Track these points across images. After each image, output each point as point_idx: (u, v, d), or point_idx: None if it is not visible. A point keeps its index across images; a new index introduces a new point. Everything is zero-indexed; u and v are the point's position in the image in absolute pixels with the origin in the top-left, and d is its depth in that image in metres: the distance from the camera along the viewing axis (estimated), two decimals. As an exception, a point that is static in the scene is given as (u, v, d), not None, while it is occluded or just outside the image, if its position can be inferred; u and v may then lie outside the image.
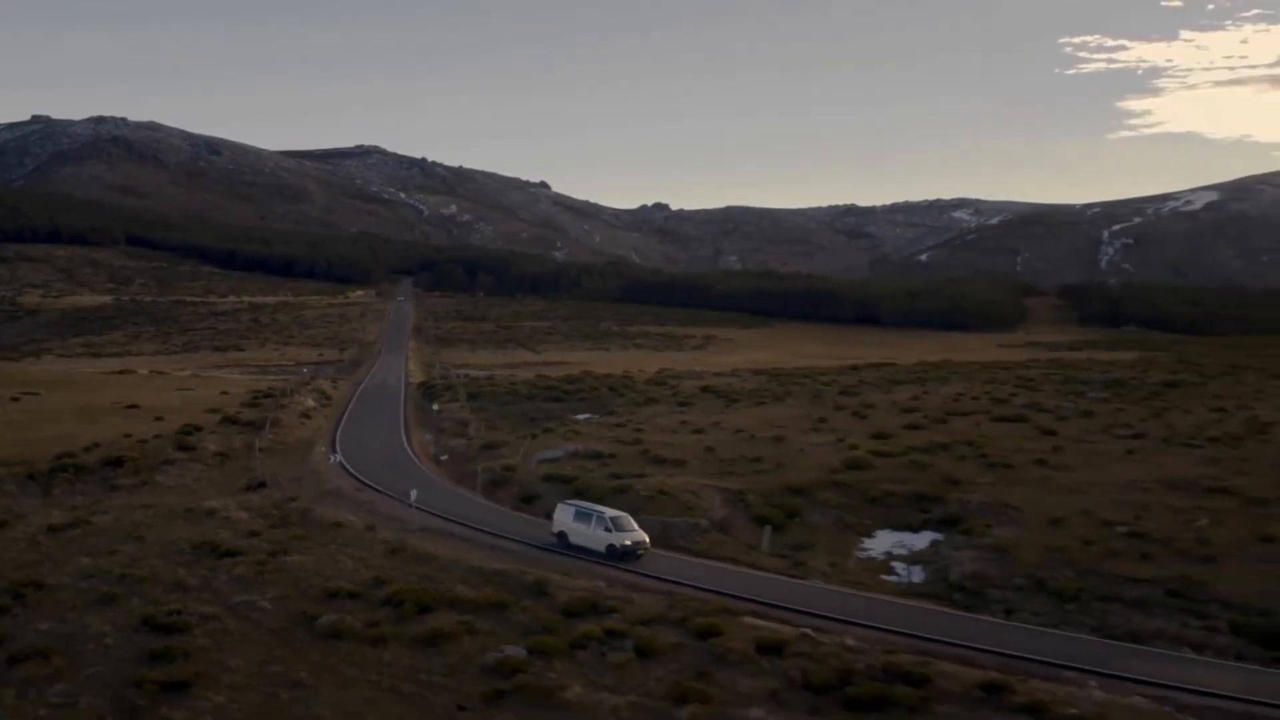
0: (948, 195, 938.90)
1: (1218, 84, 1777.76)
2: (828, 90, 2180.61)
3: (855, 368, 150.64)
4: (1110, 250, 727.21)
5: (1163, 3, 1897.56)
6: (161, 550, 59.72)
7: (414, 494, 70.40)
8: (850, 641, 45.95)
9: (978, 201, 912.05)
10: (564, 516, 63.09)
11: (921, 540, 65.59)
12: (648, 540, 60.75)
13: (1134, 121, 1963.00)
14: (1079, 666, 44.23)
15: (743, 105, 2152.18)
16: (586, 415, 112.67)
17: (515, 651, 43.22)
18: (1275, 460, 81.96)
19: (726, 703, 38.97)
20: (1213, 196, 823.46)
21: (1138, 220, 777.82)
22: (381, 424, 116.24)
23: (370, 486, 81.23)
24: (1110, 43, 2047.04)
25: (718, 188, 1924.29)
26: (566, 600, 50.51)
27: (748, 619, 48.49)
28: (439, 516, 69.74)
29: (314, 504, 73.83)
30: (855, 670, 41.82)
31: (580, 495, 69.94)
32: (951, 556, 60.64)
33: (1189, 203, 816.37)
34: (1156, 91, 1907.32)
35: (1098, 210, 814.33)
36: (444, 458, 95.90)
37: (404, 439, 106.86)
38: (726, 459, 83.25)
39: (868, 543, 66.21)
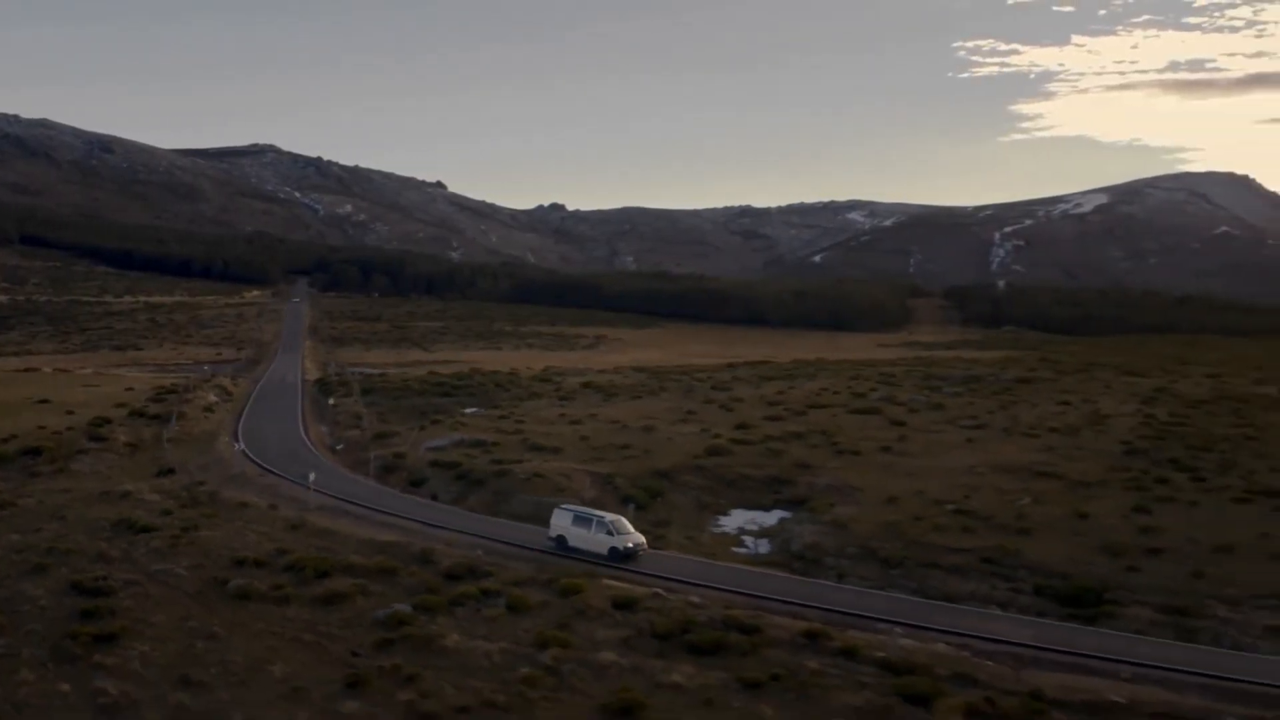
0: (842, 197, 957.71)
1: (1108, 88, 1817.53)
2: (724, 92, 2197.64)
3: (732, 365, 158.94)
4: (1001, 252, 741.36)
5: (1055, 8, 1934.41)
6: (84, 527, 66.01)
7: (312, 476, 76.98)
8: (695, 599, 53.82)
9: (872, 203, 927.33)
10: (562, 521, 65.55)
11: (771, 518, 73.97)
12: (645, 541, 64.08)
13: (1026, 125, 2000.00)
14: (893, 620, 52.41)
15: (640, 106, 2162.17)
16: (473, 409, 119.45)
17: (403, 608, 50.56)
18: (1106, 448, 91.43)
19: (583, 648, 46.48)
20: (1102, 199, 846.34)
21: (1029, 222, 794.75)
22: (281, 417, 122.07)
23: (272, 472, 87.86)
24: (1003, 47, 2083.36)
25: (614, 189, 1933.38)
26: (449, 566, 58.00)
27: (606, 581, 56.17)
28: (335, 497, 76.66)
29: (221, 487, 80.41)
30: (697, 621, 49.62)
31: (462, 479, 77.29)
32: (795, 531, 68.94)
33: (1079, 205, 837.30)
34: (1048, 95, 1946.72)
35: (990, 212, 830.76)
36: (339, 447, 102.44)
37: (302, 430, 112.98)
38: (599, 447, 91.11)
39: (723, 520, 74.44)
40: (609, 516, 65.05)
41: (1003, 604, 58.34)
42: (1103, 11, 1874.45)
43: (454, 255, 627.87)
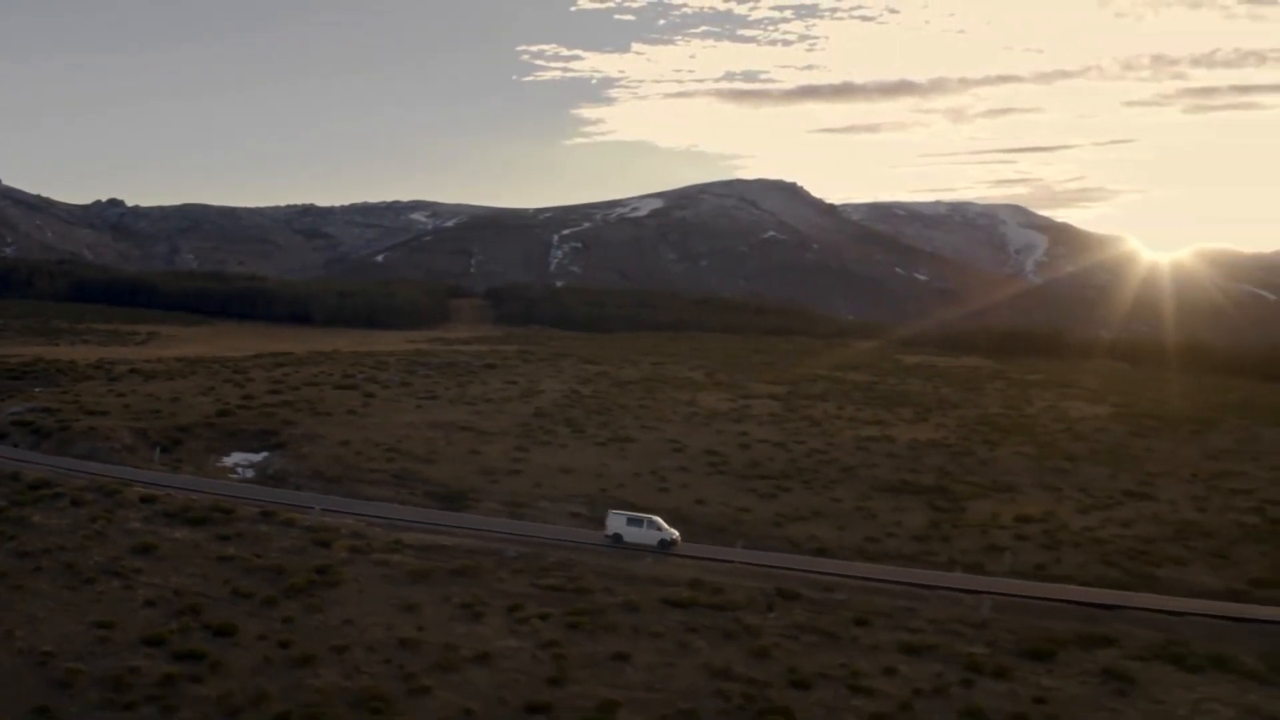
0: (406, 197, 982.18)
1: (667, 95, 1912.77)
2: (290, 90, 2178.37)
3: (258, 355, 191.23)
4: (560, 253, 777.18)
5: (616, 16, 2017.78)
6: None
7: None
8: (195, 496, 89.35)
9: (435, 204, 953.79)
10: (617, 523, 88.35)
11: (259, 456, 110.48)
12: (678, 535, 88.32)
13: (589, 129, 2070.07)
14: (325, 508, 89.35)
15: (203, 104, 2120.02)
16: (40, 388, 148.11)
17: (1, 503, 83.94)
18: (522, 412, 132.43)
19: (120, 521, 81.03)
20: (658, 204, 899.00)
21: (587, 225, 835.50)
22: None
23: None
24: (566, 52, 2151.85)
25: (177, 185, 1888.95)
26: (30, 480, 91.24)
27: (139, 488, 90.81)
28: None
29: None
30: (194, 506, 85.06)
31: (36, 433, 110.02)
32: (272, 462, 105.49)
33: (636, 209, 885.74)
34: (610, 101, 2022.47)
35: (550, 215, 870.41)
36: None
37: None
38: (137, 411, 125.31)
39: (225, 459, 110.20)
40: (653, 518, 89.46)
41: (402, 502, 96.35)
42: (662, 21, 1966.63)
43: (9, 251, 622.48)
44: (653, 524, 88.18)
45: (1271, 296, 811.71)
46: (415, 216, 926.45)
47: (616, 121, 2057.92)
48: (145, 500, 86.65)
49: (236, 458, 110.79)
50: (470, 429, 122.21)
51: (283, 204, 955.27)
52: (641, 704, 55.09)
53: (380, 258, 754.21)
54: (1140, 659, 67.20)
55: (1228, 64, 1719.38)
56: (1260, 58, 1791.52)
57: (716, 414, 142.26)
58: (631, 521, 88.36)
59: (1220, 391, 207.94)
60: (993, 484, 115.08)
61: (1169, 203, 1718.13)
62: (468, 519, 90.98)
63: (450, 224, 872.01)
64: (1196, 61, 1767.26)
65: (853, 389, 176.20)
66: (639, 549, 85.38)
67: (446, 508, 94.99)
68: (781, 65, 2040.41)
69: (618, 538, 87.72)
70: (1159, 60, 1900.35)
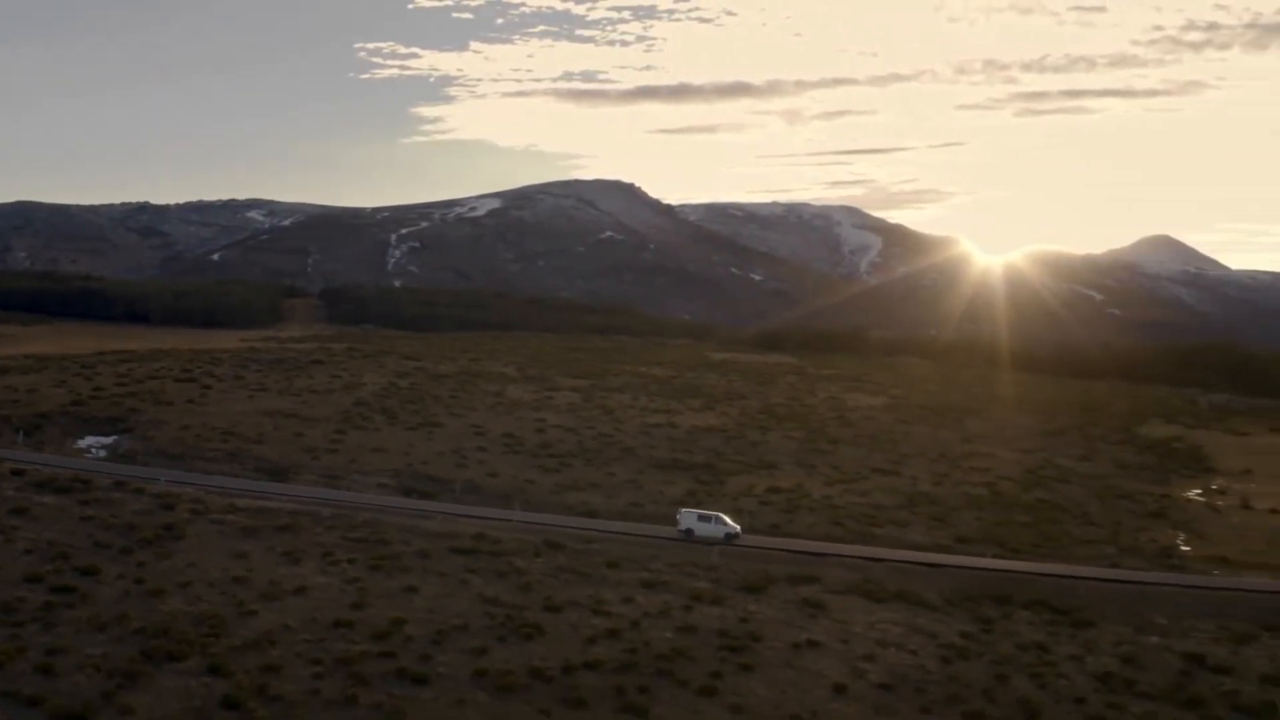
0: (243, 195, 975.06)
1: (506, 95, 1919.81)
2: (125, 87, 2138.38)
3: (102, 353, 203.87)
4: (398, 253, 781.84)
5: (454, 14, 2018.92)
6: None
7: None
8: (58, 471, 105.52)
9: (272, 202, 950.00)
10: (688, 519, 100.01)
11: (110, 439, 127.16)
12: (740, 528, 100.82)
13: (427, 128, 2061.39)
14: (170, 479, 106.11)
15: (36, 98, 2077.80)
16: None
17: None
18: (344, 402, 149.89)
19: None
20: (496, 204, 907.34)
21: (425, 225, 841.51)
22: None
23: None
24: (403, 50, 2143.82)
25: (8, 182, 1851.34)
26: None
27: (9, 464, 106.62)
28: None
29: None
30: (58, 478, 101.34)
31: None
32: (122, 443, 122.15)
33: (474, 209, 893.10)
34: (449, 99, 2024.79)
35: (387, 214, 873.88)
36: None
37: None
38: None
39: (80, 442, 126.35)
40: (719, 514, 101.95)
41: (235, 475, 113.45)
42: (500, 20, 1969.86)
43: None
44: (720, 520, 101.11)
45: (1099, 297, 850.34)
46: (252, 215, 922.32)
47: (455, 120, 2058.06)
48: (16, 474, 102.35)
49: (90, 440, 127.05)
50: (296, 416, 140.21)
51: (117, 202, 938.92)
52: (424, 622, 71.23)
53: (217, 256, 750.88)
54: (836, 593, 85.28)
55: (1058, 69, 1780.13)
56: (1089, 63, 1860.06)
57: (520, 404, 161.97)
58: (701, 518, 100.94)
59: (1004, 385, 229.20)
60: (757, 463, 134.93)
61: (1000, 204, 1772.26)
62: (291, 489, 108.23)
63: (287, 223, 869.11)
64: (1027, 66, 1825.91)
65: (652, 382, 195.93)
66: (708, 542, 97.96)
67: (273, 480, 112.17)
68: (619, 66, 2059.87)
69: (689, 532, 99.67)
70: (991, 65, 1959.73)
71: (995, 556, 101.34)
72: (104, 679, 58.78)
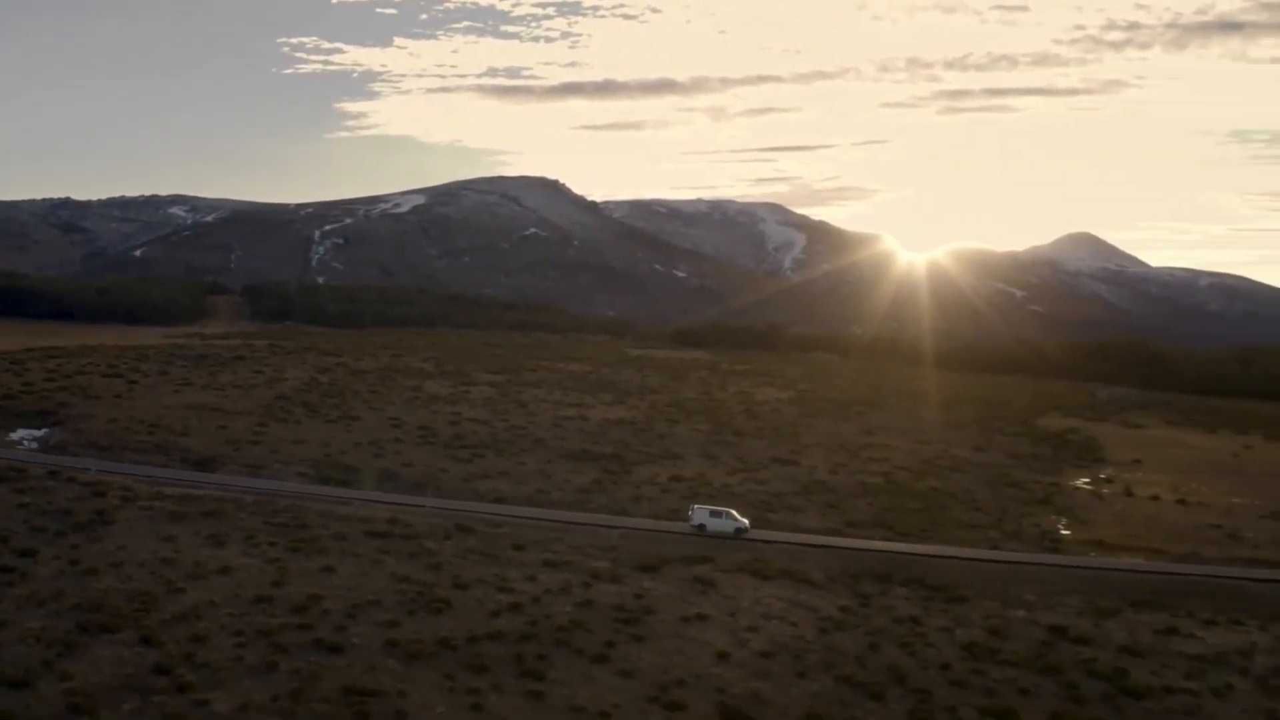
0: (165, 191, 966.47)
1: (430, 90, 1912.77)
2: (45, 82, 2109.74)
3: (30, 350, 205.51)
4: (322, 250, 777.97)
5: (377, 9, 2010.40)
6: None
7: None
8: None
9: (195, 198, 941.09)
10: (700, 515, 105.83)
11: (41, 431, 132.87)
12: (748, 523, 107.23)
13: (351, 123, 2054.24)
14: (100, 469, 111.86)
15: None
16: None
17: None
18: (267, 397, 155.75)
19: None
20: (421, 200, 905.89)
21: (349, 221, 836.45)
22: None
23: None
24: (327, 45, 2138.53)
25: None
26: None
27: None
28: None
29: None
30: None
31: None
32: (53, 435, 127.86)
33: (398, 205, 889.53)
34: (372, 95, 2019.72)
35: (311, 210, 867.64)
36: None
37: None
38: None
39: (13, 434, 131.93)
40: (729, 511, 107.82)
41: (160, 465, 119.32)
42: (424, 16, 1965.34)
43: None
44: (730, 516, 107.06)
45: (1020, 294, 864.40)
46: (175, 211, 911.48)
47: (379, 116, 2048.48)
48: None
49: (22, 433, 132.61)
50: (220, 409, 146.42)
51: (39, 197, 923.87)
52: (340, 598, 76.85)
53: (139, 253, 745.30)
54: (727, 572, 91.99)
55: (980, 67, 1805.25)
56: (1011, 61, 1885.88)
57: (437, 398, 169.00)
58: (713, 514, 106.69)
59: (912, 380, 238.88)
60: (663, 453, 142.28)
61: (923, 202, 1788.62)
62: (215, 478, 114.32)
63: (210, 219, 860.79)
64: (950, 65, 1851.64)
65: (567, 378, 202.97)
66: (719, 536, 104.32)
67: (198, 470, 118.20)
68: (544, 62, 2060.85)
69: (701, 527, 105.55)
70: (914, 63, 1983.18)
71: (882, 540, 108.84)
72: (44, 649, 63.75)
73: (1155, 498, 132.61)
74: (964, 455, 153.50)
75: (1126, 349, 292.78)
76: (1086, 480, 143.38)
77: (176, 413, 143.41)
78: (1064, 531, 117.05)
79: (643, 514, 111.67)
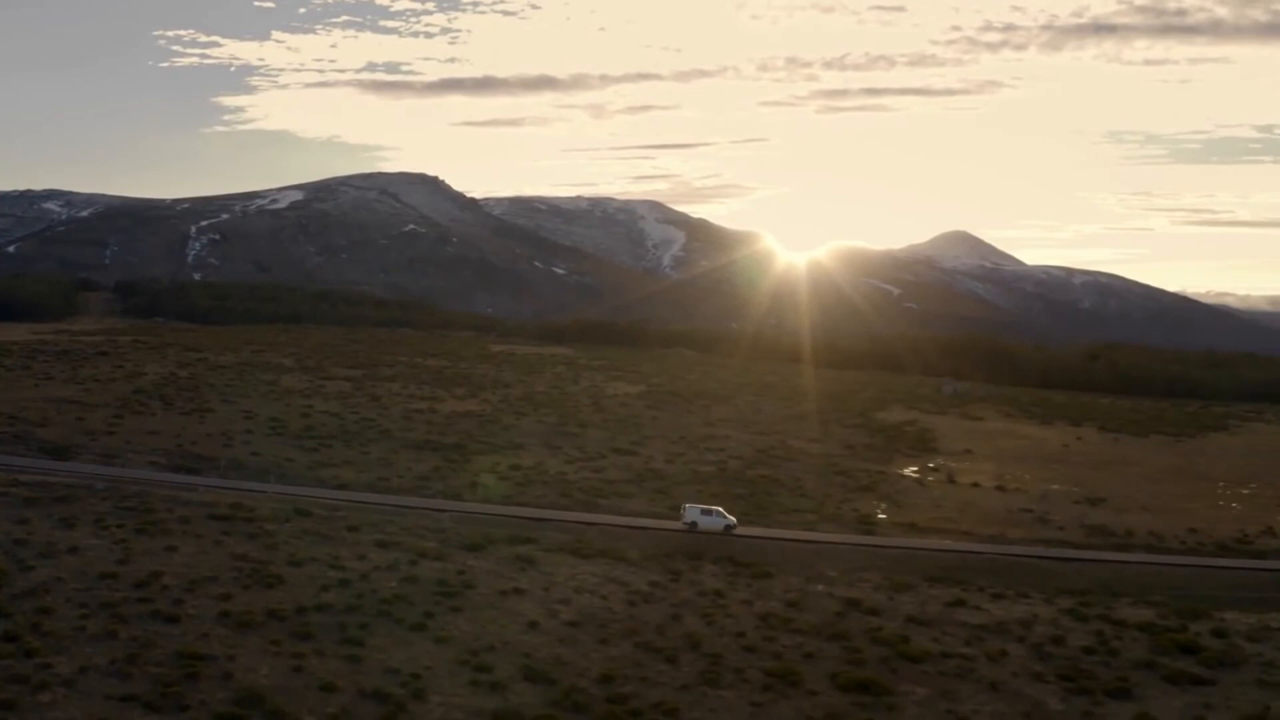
0: (39, 186, 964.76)
1: (309, 85, 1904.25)
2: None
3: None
4: (198, 245, 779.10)
5: (255, 3, 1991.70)
6: None
7: None
8: None
9: (69, 193, 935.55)
10: (692, 514, 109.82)
11: None
12: (736, 520, 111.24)
13: (229, 118, 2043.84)
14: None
15: None
16: None
17: None
18: (124, 390, 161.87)
19: None
20: (298, 196, 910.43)
21: (225, 217, 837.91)
22: None
23: None
24: (204, 38, 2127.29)
25: None
26: None
27: None
28: None
29: None
30: None
31: None
32: None
33: (275, 201, 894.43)
34: (251, 89, 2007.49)
35: (188, 205, 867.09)
36: None
37: None
38: None
39: None
40: (718, 509, 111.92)
41: (19, 455, 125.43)
42: (302, 10, 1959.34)
43: None
44: (719, 513, 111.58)
45: (897, 291, 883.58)
46: (49, 206, 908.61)
47: (257, 111, 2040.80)
48: None
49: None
50: (78, 402, 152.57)
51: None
52: (180, 575, 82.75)
53: (12, 248, 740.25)
54: (548, 551, 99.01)
55: (858, 67, 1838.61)
56: (889, 62, 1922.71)
57: (292, 391, 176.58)
58: (704, 512, 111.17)
59: (763, 374, 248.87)
60: (506, 444, 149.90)
61: (802, 200, 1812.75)
62: (70, 466, 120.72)
63: (85, 214, 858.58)
64: (829, 64, 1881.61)
65: (424, 372, 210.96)
66: (710, 533, 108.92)
67: (54, 459, 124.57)
68: (423, 57, 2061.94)
69: (693, 525, 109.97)
70: (793, 62, 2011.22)
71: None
72: (-103, 618, 69.70)
73: (975, 485, 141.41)
74: (800, 446, 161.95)
75: (974, 344, 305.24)
76: (915, 469, 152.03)
77: (36, 405, 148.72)
78: (880, 516, 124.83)
79: (476, 499, 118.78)
